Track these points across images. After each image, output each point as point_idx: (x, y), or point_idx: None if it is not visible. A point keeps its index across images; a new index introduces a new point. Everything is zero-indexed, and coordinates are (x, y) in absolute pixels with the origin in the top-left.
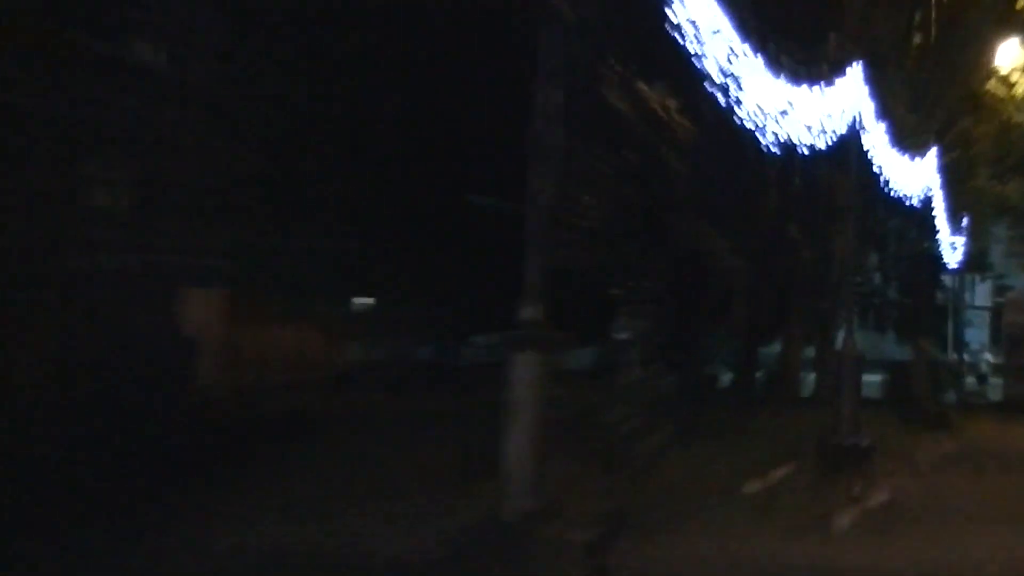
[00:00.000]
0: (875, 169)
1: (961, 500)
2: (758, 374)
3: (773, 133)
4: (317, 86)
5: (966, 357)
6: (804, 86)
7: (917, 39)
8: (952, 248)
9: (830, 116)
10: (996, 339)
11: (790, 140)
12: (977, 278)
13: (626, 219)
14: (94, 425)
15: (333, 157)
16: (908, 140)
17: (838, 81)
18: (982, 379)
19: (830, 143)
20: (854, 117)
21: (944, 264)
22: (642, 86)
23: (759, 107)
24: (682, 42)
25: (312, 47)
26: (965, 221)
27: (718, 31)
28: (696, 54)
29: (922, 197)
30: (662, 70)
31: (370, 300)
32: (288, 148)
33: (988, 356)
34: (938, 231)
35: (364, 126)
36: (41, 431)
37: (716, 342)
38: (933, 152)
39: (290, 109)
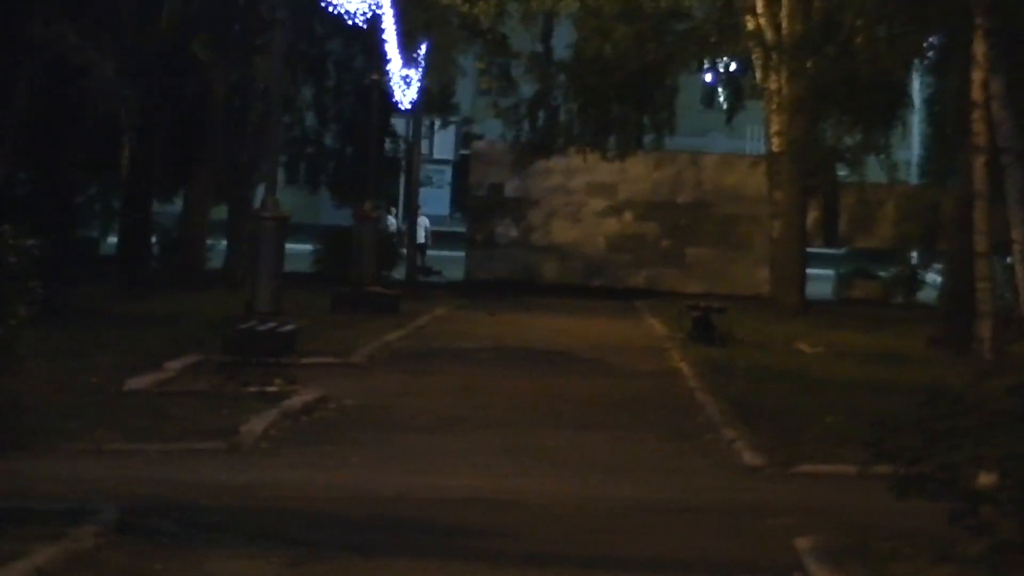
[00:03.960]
0: None
1: (405, 404)
2: (152, 240)
3: None
4: None
5: (422, 224)
6: None
7: None
8: (406, 83)
9: None
10: (462, 201)
11: None
12: (438, 123)
13: None
14: None
15: None
16: None
17: None
18: (422, 250)
19: None
20: None
21: (396, 104)
22: None
23: None
24: None
25: None
26: (423, 48)
27: None
28: None
29: (369, 14)
30: None
31: None
32: None
33: (425, 222)
34: (389, 60)
35: None
36: None
37: (95, 196)
38: None
39: None
